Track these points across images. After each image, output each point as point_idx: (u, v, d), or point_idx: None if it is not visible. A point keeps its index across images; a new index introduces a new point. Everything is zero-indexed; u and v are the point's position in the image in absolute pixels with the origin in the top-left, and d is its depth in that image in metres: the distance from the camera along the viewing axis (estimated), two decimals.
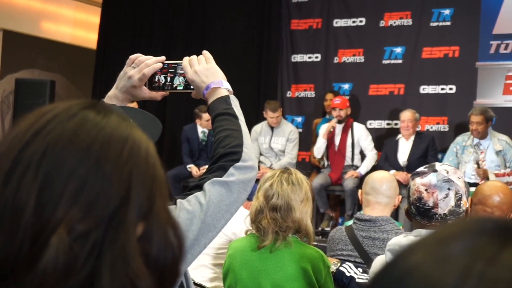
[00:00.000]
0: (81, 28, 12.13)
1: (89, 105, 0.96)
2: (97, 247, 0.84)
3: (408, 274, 0.60)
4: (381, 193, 3.80)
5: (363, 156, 8.60)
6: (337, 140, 8.58)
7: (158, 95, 2.04)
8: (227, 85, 1.98)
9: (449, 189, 2.75)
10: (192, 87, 2.00)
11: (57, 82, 8.84)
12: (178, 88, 2.03)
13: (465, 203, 2.78)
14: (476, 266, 0.57)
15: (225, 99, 1.95)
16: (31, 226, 0.84)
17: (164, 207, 0.93)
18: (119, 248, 0.85)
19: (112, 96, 1.96)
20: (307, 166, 9.26)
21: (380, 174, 4.03)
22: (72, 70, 11.74)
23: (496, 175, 7.52)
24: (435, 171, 2.80)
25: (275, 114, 8.81)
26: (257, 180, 2.91)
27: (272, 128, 8.95)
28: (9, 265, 0.84)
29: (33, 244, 0.84)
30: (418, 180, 2.82)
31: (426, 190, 2.77)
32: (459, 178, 2.80)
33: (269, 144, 8.90)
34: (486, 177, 7.44)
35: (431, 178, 2.78)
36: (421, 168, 2.89)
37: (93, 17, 11.60)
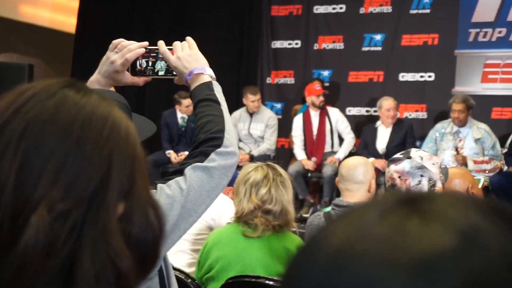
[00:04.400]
0: (60, 12, 12.03)
1: (69, 83, 0.95)
2: (77, 226, 0.84)
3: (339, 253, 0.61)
4: (349, 179, 3.81)
5: (342, 141, 8.62)
6: (314, 128, 8.59)
7: (140, 80, 2.04)
8: (210, 71, 1.98)
9: (422, 175, 2.77)
10: (174, 72, 2.00)
11: (35, 66, 8.75)
12: (160, 73, 2.03)
13: (440, 189, 2.79)
14: (395, 236, 0.59)
15: (208, 85, 1.96)
16: (11, 205, 0.84)
17: (145, 187, 0.93)
18: (99, 228, 0.85)
19: (94, 81, 1.96)
20: (286, 153, 9.28)
21: (349, 160, 4.02)
22: (51, 55, 11.66)
23: (475, 162, 7.59)
24: (409, 157, 2.82)
25: (256, 97, 8.80)
26: (238, 167, 2.93)
27: (251, 114, 8.93)
28: None
29: (13, 223, 0.83)
30: (392, 167, 2.84)
31: (399, 177, 2.80)
32: (433, 164, 2.82)
33: (248, 130, 8.89)
34: (464, 164, 7.51)
35: (405, 165, 2.80)
36: (397, 155, 2.91)
37: (72, 1, 11.51)
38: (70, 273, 0.84)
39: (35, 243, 0.82)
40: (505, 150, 7.85)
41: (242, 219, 3.30)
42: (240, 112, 8.96)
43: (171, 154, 8.80)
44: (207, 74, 1.97)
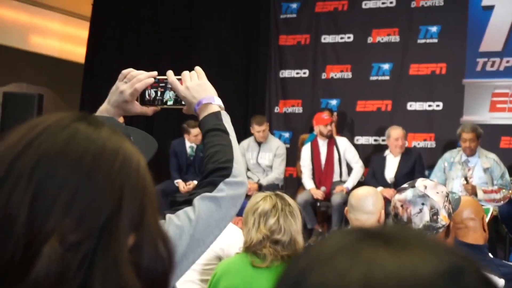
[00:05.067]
0: (69, 42, 12.12)
1: (81, 117, 0.96)
2: (88, 257, 0.85)
3: None
4: (359, 209, 3.79)
5: (350, 170, 8.61)
6: (323, 158, 8.59)
7: (149, 110, 2.04)
8: (218, 101, 1.98)
9: (423, 204, 2.76)
10: (183, 102, 2.01)
11: (45, 95, 8.82)
12: (169, 103, 2.04)
13: (444, 218, 2.77)
14: (373, 273, 0.63)
15: (216, 115, 1.96)
16: (24, 236, 0.85)
17: (155, 220, 0.94)
18: (110, 258, 0.86)
19: (104, 111, 1.96)
20: (294, 182, 9.26)
21: (359, 190, 4.00)
22: (60, 84, 11.72)
23: (484, 191, 7.56)
24: (413, 186, 2.81)
25: (261, 127, 8.80)
26: (247, 196, 2.92)
27: (259, 143, 8.94)
28: (1, 273, 0.84)
29: (25, 253, 0.84)
30: (396, 196, 2.84)
31: (401, 205, 2.79)
32: (437, 193, 2.80)
33: (256, 159, 8.89)
34: (474, 193, 7.47)
35: (407, 194, 2.79)
36: (404, 185, 2.91)
37: (81, 31, 11.59)
38: None
39: (47, 274, 0.83)
40: None
41: (250, 249, 3.28)
42: (249, 142, 8.96)
43: (179, 183, 8.80)
44: (216, 104, 1.98)
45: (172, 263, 0.95)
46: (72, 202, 0.87)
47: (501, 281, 2.75)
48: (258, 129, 8.77)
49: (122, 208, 0.89)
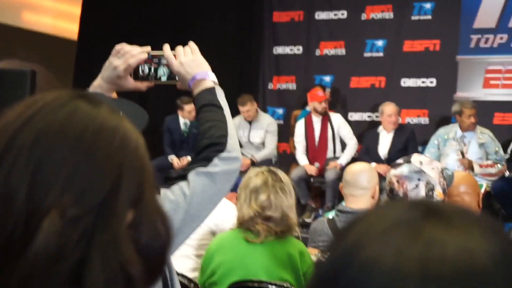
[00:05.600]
0: (62, 19, 12.05)
1: (80, 95, 0.96)
2: (88, 232, 0.86)
3: (371, 268, 0.63)
4: (353, 185, 3.81)
5: (344, 146, 8.62)
6: (316, 134, 8.59)
7: (143, 85, 2.04)
8: (212, 77, 1.98)
9: (419, 179, 2.77)
10: (177, 78, 2.00)
11: (37, 72, 8.78)
12: (163, 78, 2.03)
13: (439, 194, 2.79)
14: (432, 251, 0.62)
15: (211, 90, 1.96)
16: (24, 211, 0.85)
17: (153, 197, 0.95)
18: (110, 234, 0.86)
19: (97, 86, 1.96)
20: (288, 158, 9.27)
21: (353, 166, 4.03)
22: (53, 61, 11.65)
23: (480, 166, 7.60)
24: (409, 162, 2.82)
25: (245, 107, 8.72)
26: (240, 172, 2.93)
27: (250, 121, 8.94)
28: (1, 248, 0.85)
29: (25, 228, 0.85)
30: (392, 172, 2.85)
31: (397, 181, 2.80)
32: (433, 168, 2.82)
33: (248, 138, 8.87)
34: (470, 167, 7.51)
35: (403, 169, 2.81)
36: (399, 160, 2.92)
37: (74, 7, 11.52)
38: (79, 278, 0.84)
39: (46, 247, 0.84)
40: (507, 156, 7.86)
41: (243, 225, 3.30)
42: (239, 120, 8.87)
43: (173, 159, 8.79)
44: (210, 79, 1.97)
45: (170, 240, 0.96)
46: (71, 178, 0.87)
47: None
48: (241, 109, 8.73)
49: (121, 185, 0.89)
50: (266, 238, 3.27)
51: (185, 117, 8.97)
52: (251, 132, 8.88)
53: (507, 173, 7.74)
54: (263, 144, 8.91)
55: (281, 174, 3.39)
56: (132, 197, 0.90)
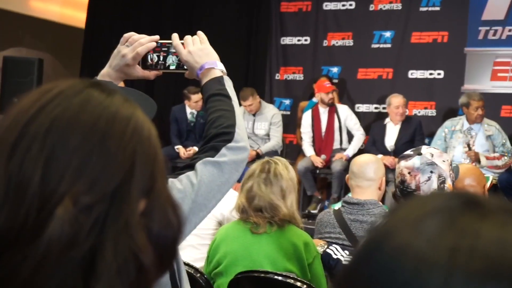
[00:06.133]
0: (70, 7, 12.05)
1: (93, 84, 0.97)
2: (101, 220, 0.86)
3: (400, 254, 0.62)
4: (360, 176, 3.81)
5: (350, 138, 8.61)
6: (323, 125, 8.58)
7: (151, 74, 2.04)
8: (221, 66, 1.98)
9: (431, 172, 2.76)
10: (185, 67, 2.00)
11: (44, 60, 8.79)
12: (171, 67, 2.03)
13: (449, 186, 2.78)
14: (464, 241, 0.60)
15: (219, 80, 1.95)
16: (37, 198, 0.86)
17: (165, 187, 0.96)
18: (122, 222, 0.87)
19: (105, 74, 1.96)
20: (294, 149, 9.27)
21: (360, 158, 4.03)
22: (60, 49, 11.67)
23: (487, 158, 7.59)
24: (420, 154, 2.82)
25: (246, 102, 8.63)
26: (249, 162, 2.94)
27: (254, 113, 8.89)
28: (13, 235, 0.85)
29: (38, 215, 0.85)
30: (402, 163, 2.84)
31: (409, 173, 2.79)
32: (443, 161, 2.81)
33: (252, 130, 8.83)
34: (477, 160, 7.50)
35: (415, 161, 2.80)
36: (408, 152, 2.91)
37: None
38: (92, 265, 0.84)
39: (60, 234, 0.84)
40: None
41: (241, 216, 3.34)
42: (243, 111, 8.75)
43: (180, 149, 8.80)
44: (218, 68, 1.97)
45: (181, 230, 0.97)
46: (85, 166, 0.88)
47: None
48: (243, 104, 8.63)
49: (134, 174, 0.90)
50: (270, 228, 3.28)
51: (191, 107, 8.97)
52: (256, 124, 8.85)
53: None
54: (268, 135, 8.88)
55: (278, 165, 3.39)
56: (144, 186, 0.91)
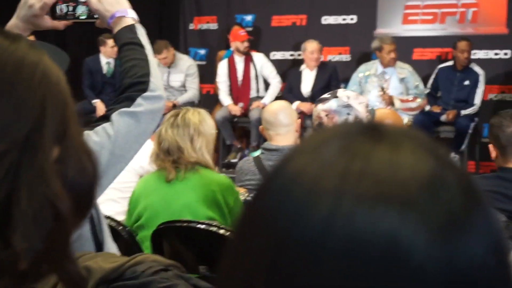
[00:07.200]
0: None
1: None
2: (13, 168, 0.84)
3: (292, 181, 0.61)
4: (277, 125, 3.85)
5: (267, 86, 8.63)
6: (239, 74, 8.57)
7: (60, 24, 1.98)
8: (132, 14, 1.94)
9: (348, 114, 2.80)
10: (96, 16, 1.95)
11: None
12: (81, 17, 1.98)
13: None
14: (354, 165, 0.59)
15: (131, 28, 1.92)
16: None
17: (78, 133, 0.94)
18: (36, 169, 0.85)
19: (13, 26, 1.89)
20: (212, 99, 9.24)
21: (271, 106, 4.08)
22: None
23: (401, 101, 7.74)
24: (336, 97, 2.85)
25: (161, 55, 8.50)
26: (165, 114, 2.93)
27: (168, 66, 8.78)
28: None
29: None
30: (319, 106, 2.87)
31: (326, 115, 2.83)
32: (360, 103, 2.86)
33: (168, 82, 8.71)
34: (391, 103, 7.64)
35: (332, 104, 2.83)
36: (325, 95, 2.94)
37: None
38: (7, 215, 0.82)
39: None
40: (427, 90, 8.02)
41: (154, 161, 3.40)
42: (157, 64, 8.62)
43: (98, 104, 8.60)
44: (130, 16, 1.93)
45: (96, 175, 0.95)
46: None
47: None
48: (157, 57, 8.43)
49: (45, 119, 0.88)
50: (185, 175, 3.29)
51: (108, 55, 8.72)
52: (171, 76, 8.74)
53: (427, 107, 7.91)
54: (184, 87, 8.81)
55: (189, 113, 3.44)
56: (56, 132, 0.89)
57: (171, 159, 3.33)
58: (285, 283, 0.59)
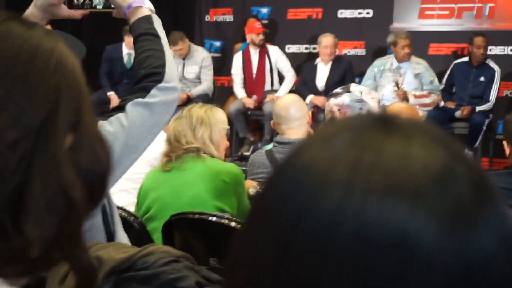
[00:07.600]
0: None
1: (12, 16, 0.93)
2: (27, 155, 0.84)
3: (302, 172, 0.61)
4: (289, 119, 3.85)
5: (282, 79, 8.61)
6: (254, 67, 8.55)
7: (77, 13, 1.98)
8: (149, 4, 1.94)
9: (361, 108, 2.80)
10: (113, 6, 1.95)
11: None
12: (98, 6, 1.99)
13: None
14: (364, 157, 0.59)
15: (147, 18, 1.92)
16: None
17: (92, 121, 0.94)
18: (49, 157, 0.85)
19: (30, 15, 1.90)
20: (226, 91, 9.23)
21: (282, 101, 4.08)
22: None
23: (415, 96, 7.70)
24: (349, 91, 2.85)
25: (176, 47, 8.44)
26: (180, 106, 2.94)
27: (183, 57, 8.76)
28: None
29: None
30: (332, 101, 2.87)
31: (339, 110, 2.82)
32: (372, 98, 2.85)
33: (182, 73, 8.68)
34: (405, 98, 7.61)
35: (344, 98, 2.83)
36: (337, 89, 2.94)
37: None
38: (21, 202, 0.82)
39: None
40: (442, 86, 7.98)
41: (166, 152, 3.42)
42: (172, 55, 8.57)
43: (112, 96, 8.52)
44: (146, 7, 1.93)
45: (110, 164, 0.95)
46: (7, 100, 0.85)
47: None
48: (173, 48, 8.33)
49: (59, 107, 0.88)
50: (193, 163, 3.31)
51: (130, 45, 8.67)
52: (186, 68, 8.72)
53: (442, 103, 7.88)
54: (199, 79, 8.79)
55: (196, 106, 3.48)
56: (70, 120, 0.89)
57: (170, 149, 3.38)
58: (293, 275, 0.59)
